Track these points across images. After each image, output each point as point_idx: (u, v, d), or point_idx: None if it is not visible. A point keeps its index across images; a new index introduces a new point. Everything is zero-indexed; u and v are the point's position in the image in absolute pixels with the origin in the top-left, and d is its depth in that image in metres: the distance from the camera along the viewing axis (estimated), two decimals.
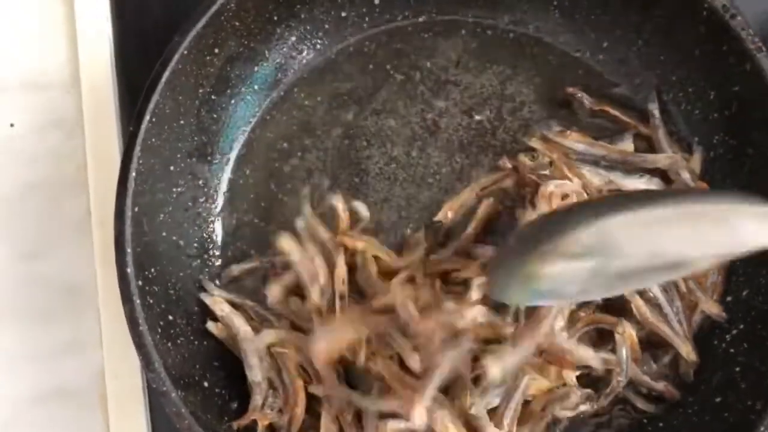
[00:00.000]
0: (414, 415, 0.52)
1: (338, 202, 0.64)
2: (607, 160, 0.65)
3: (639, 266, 0.44)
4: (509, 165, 0.66)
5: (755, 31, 0.60)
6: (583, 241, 0.43)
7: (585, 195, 0.61)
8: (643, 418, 0.62)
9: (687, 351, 0.61)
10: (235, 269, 0.66)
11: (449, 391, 0.57)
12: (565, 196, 0.60)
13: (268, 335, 0.60)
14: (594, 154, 0.65)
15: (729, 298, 0.62)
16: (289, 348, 0.59)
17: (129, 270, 0.57)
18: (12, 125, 0.74)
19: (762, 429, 0.54)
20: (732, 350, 0.61)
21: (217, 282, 0.66)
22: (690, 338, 0.61)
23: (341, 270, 0.60)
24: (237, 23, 0.64)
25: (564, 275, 0.45)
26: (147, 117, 0.59)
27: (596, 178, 0.64)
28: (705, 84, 0.65)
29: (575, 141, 0.66)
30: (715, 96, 0.64)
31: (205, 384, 0.60)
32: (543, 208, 0.59)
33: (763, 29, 0.69)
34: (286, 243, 0.62)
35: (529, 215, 0.60)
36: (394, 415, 0.55)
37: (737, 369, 0.59)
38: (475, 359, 0.56)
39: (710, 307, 0.62)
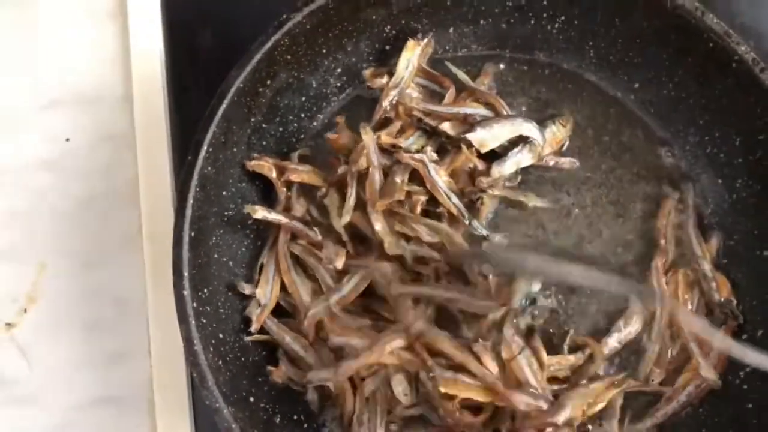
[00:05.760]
0: None
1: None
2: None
3: None
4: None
5: None
6: None
7: None
8: None
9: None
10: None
11: None
12: None
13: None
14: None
15: (745, 336, 0.66)
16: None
17: (186, 293, 0.60)
18: (67, 140, 0.77)
19: None
20: (745, 386, 0.64)
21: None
22: None
23: None
24: (289, 57, 0.67)
25: None
26: (204, 148, 0.62)
27: None
28: (731, 130, 0.68)
29: None
30: (740, 142, 0.68)
31: (251, 399, 0.64)
32: None
33: None
34: None
35: None
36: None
37: (749, 406, 0.63)
38: None
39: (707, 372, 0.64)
